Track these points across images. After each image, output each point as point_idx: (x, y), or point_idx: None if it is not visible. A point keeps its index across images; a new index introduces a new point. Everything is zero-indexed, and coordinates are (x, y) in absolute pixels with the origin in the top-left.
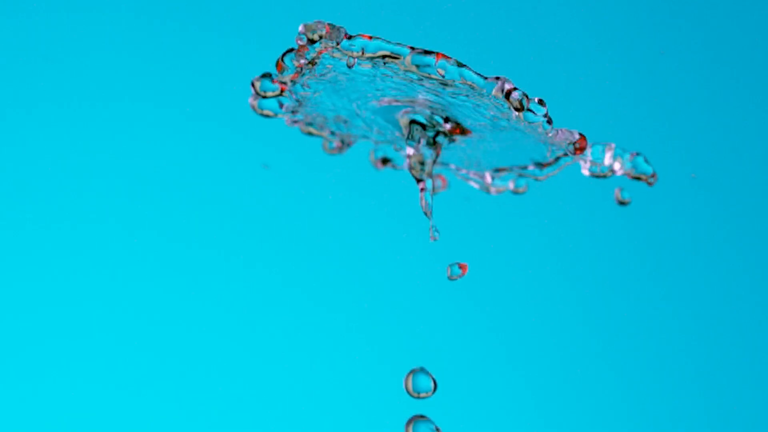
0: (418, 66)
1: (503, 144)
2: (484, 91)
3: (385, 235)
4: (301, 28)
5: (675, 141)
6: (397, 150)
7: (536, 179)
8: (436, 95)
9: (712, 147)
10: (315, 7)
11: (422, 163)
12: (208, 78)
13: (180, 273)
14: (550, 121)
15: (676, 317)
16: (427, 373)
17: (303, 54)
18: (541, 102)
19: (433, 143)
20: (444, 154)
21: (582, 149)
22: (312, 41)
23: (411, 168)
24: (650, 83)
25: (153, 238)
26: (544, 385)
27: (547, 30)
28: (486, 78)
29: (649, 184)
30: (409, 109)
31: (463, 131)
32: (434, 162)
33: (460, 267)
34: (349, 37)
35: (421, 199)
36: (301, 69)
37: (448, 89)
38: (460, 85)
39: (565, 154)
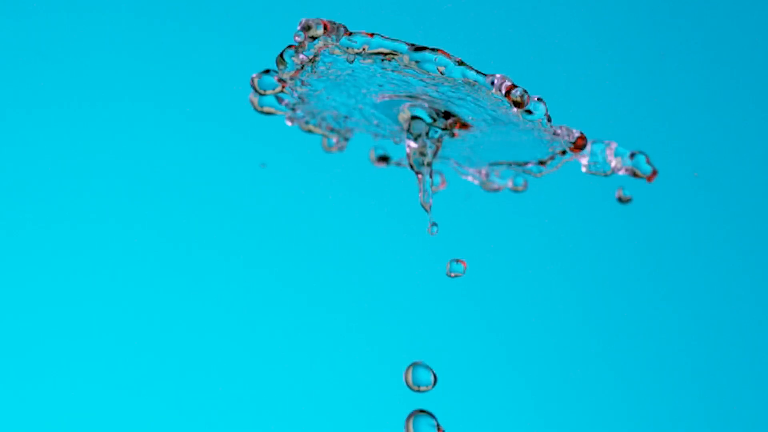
0: (417, 62)
1: (502, 140)
2: (484, 88)
3: (385, 233)
4: (300, 24)
5: (676, 139)
6: (397, 143)
7: (534, 175)
8: (436, 91)
9: (713, 145)
10: (316, 5)
11: (423, 154)
12: (207, 77)
13: (179, 271)
14: (549, 119)
15: (676, 315)
16: (426, 366)
17: (302, 51)
18: (540, 100)
19: (433, 137)
20: (443, 150)
21: (581, 147)
22: (312, 38)
23: (411, 161)
24: (651, 81)
25: (152, 237)
26: (544, 384)
27: (547, 28)
28: (486, 75)
29: (648, 180)
30: (409, 103)
31: (463, 125)
32: (434, 155)
33: (460, 263)
34: (349, 34)
35: (420, 192)
36: (302, 66)
37: (448, 85)
38: (460, 82)
39: (564, 152)
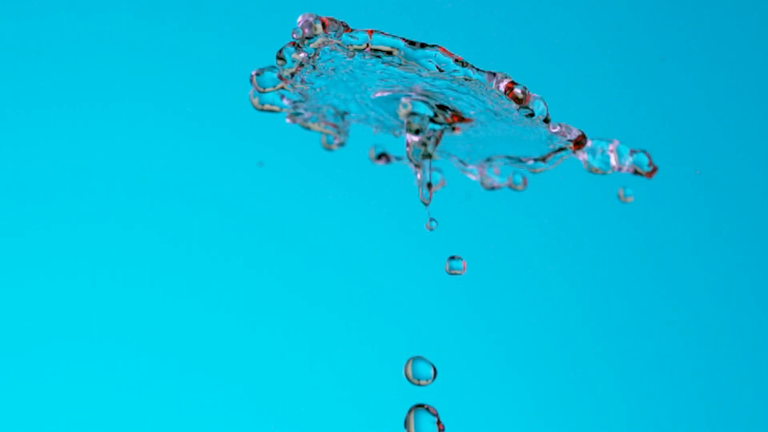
0: (417, 60)
1: (502, 136)
2: (484, 85)
3: (384, 230)
4: (299, 21)
5: (677, 137)
6: (397, 136)
7: (532, 171)
8: (436, 86)
9: (715, 143)
10: (315, 4)
11: (425, 144)
12: (204, 75)
13: (177, 270)
14: (547, 119)
15: (677, 313)
16: (426, 360)
17: (301, 48)
18: (539, 98)
19: (434, 128)
20: (444, 145)
21: (581, 146)
22: (310, 36)
23: (410, 154)
24: (652, 79)
25: (149, 236)
26: (543, 383)
27: (548, 26)
28: (485, 72)
29: (648, 176)
30: (409, 98)
31: (463, 119)
32: (434, 147)
33: (460, 261)
34: (349, 30)
35: (419, 186)
36: (301, 63)
37: (447, 80)
38: (460, 80)
39: (563, 149)
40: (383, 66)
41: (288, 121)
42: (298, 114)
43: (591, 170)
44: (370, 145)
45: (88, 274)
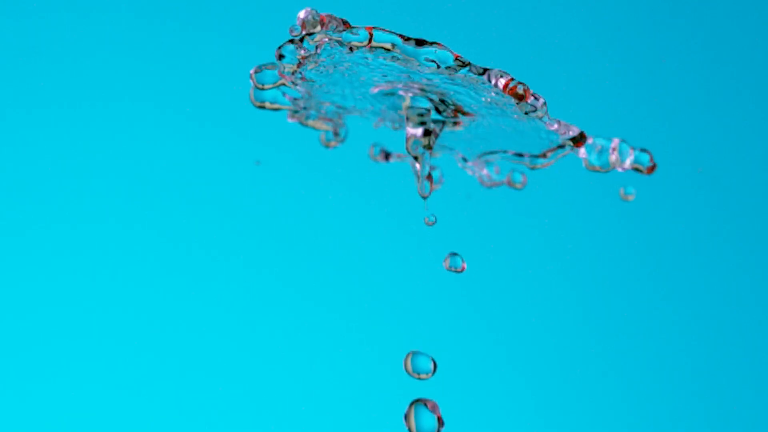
0: (416, 57)
1: (501, 132)
2: (485, 83)
3: (384, 228)
4: (298, 17)
5: (679, 135)
6: (395, 129)
7: (530, 167)
8: (437, 82)
9: (716, 140)
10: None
11: (427, 135)
12: (202, 74)
13: (175, 269)
14: (548, 116)
15: (677, 312)
16: (426, 354)
17: (302, 45)
18: (538, 96)
19: (432, 125)
20: (443, 140)
21: (581, 144)
22: (310, 33)
23: (410, 147)
24: (653, 78)
25: (148, 236)
26: (545, 383)
27: (550, 24)
28: (485, 69)
29: (649, 171)
30: (410, 92)
31: (464, 113)
32: (435, 140)
33: (459, 259)
34: (348, 27)
35: (418, 180)
36: (301, 61)
37: (448, 77)
38: (460, 76)
39: (561, 146)
40: (384, 61)
41: (289, 119)
42: (298, 112)
43: (591, 168)
44: (370, 142)
45: (86, 272)
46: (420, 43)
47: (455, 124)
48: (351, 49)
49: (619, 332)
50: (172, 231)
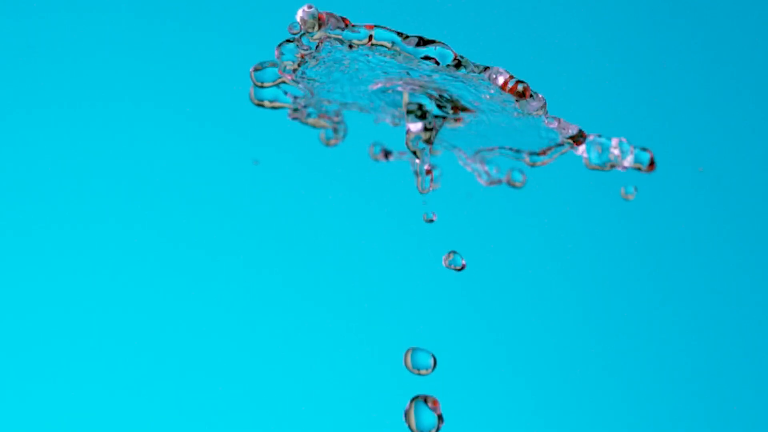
0: (416, 55)
1: (500, 131)
2: (484, 80)
3: (384, 227)
4: (297, 15)
5: (680, 133)
6: (395, 125)
7: (529, 165)
8: (437, 79)
9: (718, 139)
10: None
11: (427, 130)
12: (201, 74)
13: (175, 268)
14: (547, 114)
15: (678, 312)
16: (426, 350)
17: (301, 42)
18: (538, 95)
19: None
20: (442, 135)
21: (580, 142)
22: (309, 30)
23: (410, 144)
24: (655, 76)
25: (146, 235)
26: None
27: (550, 22)
28: (485, 67)
29: (649, 168)
30: (409, 88)
31: (464, 110)
32: (435, 134)
33: (459, 257)
34: (347, 25)
35: (417, 174)
36: (301, 58)
37: (449, 74)
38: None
39: (560, 144)
40: (384, 58)
41: (290, 117)
42: (298, 110)
43: (591, 167)
44: (369, 140)
45: (84, 271)
46: (420, 41)
47: (455, 120)
48: (351, 46)
49: (619, 331)
50: (171, 230)
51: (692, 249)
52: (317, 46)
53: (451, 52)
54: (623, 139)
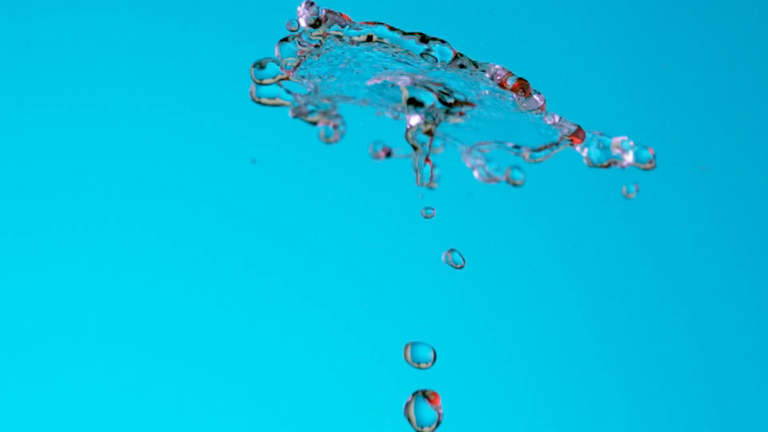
0: (417, 52)
1: (499, 127)
2: (483, 76)
3: (384, 225)
4: (298, 12)
5: (681, 132)
6: (395, 118)
7: (532, 161)
8: (437, 73)
9: (719, 137)
10: None
11: (428, 122)
12: (200, 73)
13: (174, 267)
14: (546, 112)
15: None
16: (426, 344)
17: (301, 38)
18: (538, 92)
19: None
20: (442, 130)
21: (579, 140)
22: (315, 24)
23: (410, 137)
24: (656, 75)
25: (144, 235)
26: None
27: (551, 21)
28: (485, 64)
29: (649, 165)
30: (409, 82)
31: (464, 104)
32: (436, 125)
33: (459, 256)
34: (347, 21)
35: (416, 169)
36: (301, 56)
37: (450, 71)
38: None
39: (559, 141)
40: (384, 54)
41: (291, 114)
42: (299, 107)
43: (592, 165)
44: (369, 138)
45: (82, 269)
46: (420, 38)
47: (459, 114)
48: (351, 42)
49: (619, 330)
50: (170, 229)
51: (693, 247)
52: (318, 45)
53: (450, 51)
54: (624, 137)
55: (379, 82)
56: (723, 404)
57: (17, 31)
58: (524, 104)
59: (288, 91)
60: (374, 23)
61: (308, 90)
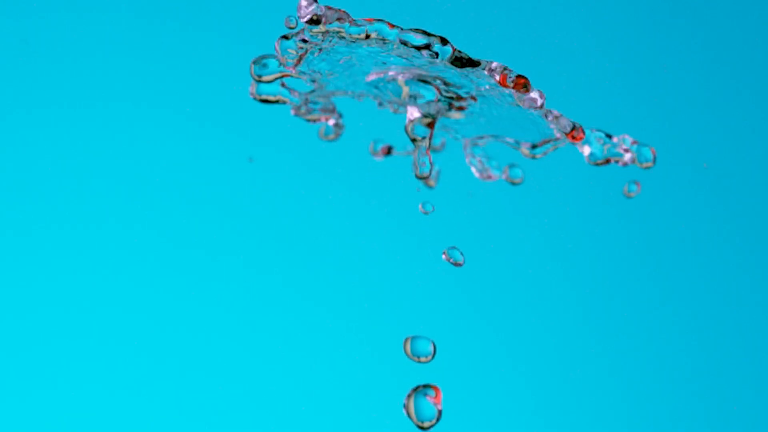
0: (417, 49)
1: (499, 124)
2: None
3: (384, 225)
4: (298, 9)
5: (683, 131)
6: (395, 112)
7: (531, 157)
8: (437, 69)
9: (721, 137)
10: None
11: (427, 116)
12: (199, 73)
13: (173, 267)
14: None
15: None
16: (426, 338)
17: (299, 38)
18: (538, 90)
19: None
20: (442, 124)
21: (578, 138)
22: (317, 21)
23: (410, 132)
24: (657, 72)
25: (143, 235)
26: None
27: (552, 19)
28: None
29: (647, 166)
30: (409, 77)
31: (464, 99)
32: (437, 118)
33: (459, 253)
34: (344, 12)
35: (416, 164)
36: (300, 53)
37: (450, 68)
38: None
39: (559, 138)
40: (384, 49)
41: (293, 113)
42: (300, 105)
43: (592, 163)
44: (369, 136)
45: (81, 269)
46: (420, 34)
47: (458, 109)
48: (351, 39)
49: (618, 329)
50: (169, 228)
51: (693, 246)
52: (322, 39)
53: (450, 48)
54: (625, 135)
55: (380, 76)
56: (723, 404)
57: (15, 30)
58: (524, 101)
59: (288, 89)
60: (374, 20)
61: (308, 85)
